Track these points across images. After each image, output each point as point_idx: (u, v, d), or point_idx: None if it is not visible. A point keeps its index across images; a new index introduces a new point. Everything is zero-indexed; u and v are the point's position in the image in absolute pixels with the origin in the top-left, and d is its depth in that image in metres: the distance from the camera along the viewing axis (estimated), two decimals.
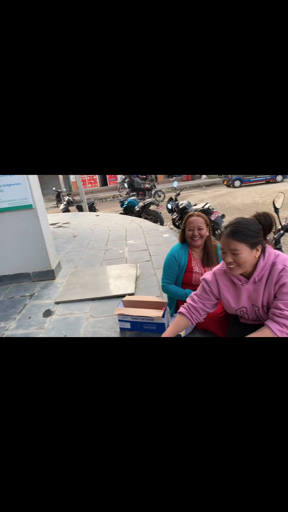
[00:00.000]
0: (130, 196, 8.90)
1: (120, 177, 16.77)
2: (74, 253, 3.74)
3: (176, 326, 1.32)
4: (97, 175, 17.31)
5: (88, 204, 8.96)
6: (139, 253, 3.44)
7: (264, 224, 1.11)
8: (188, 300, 1.37)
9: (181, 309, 1.36)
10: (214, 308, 1.36)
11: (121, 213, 7.59)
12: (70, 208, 9.63)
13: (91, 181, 17.36)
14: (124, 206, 7.48)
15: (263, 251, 1.12)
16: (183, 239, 1.79)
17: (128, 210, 7.44)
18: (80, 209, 8.94)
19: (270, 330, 1.11)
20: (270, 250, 1.14)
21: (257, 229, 1.10)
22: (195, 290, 1.72)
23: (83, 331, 1.88)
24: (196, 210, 5.05)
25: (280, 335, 1.10)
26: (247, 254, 1.08)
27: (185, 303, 1.38)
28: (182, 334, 1.64)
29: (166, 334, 1.31)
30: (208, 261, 1.76)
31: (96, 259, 3.42)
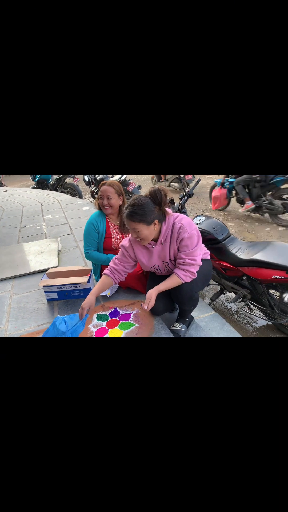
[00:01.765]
0: None
1: None
2: None
3: (101, 285, 1.48)
4: None
5: None
6: (58, 227, 3.36)
7: (156, 200, 1.28)
8: (111, 263, 1.53)
9: (105, 271, 1.52)
10: (133, 268, 1.56)
11: (33, 187, 6.99)
12: None
13: None
14: (37, 179, 6.89)
15: (162, 220, 1.33)
16: (99, 206, 1.88)
17: (42, 184, 6.90)
18: None
19: (177, 276, 1.37)
20: (169, 216, 1.36)
21: (151, 208, 1.27)
22: (115, 254, 1.89)
23: (7, 308, 1.83)
24: None
25: (185, 278, 1.37)
26: (146, 230, 1.29)
27: (108, 266, 1.54)
28: (108, 294, 1.81)
29: (93, 292, 1.45)
30: (124, 227, 1.91)
31: (10, 237, 3.18)
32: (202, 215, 2.21)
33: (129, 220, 1.27)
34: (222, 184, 4.33)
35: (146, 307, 1.34)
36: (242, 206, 4.08)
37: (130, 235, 1.49)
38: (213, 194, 4.50)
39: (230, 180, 4.25)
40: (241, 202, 4.10)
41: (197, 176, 6.04)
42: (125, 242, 1.50)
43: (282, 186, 3.67)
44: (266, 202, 3.78)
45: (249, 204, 3.93)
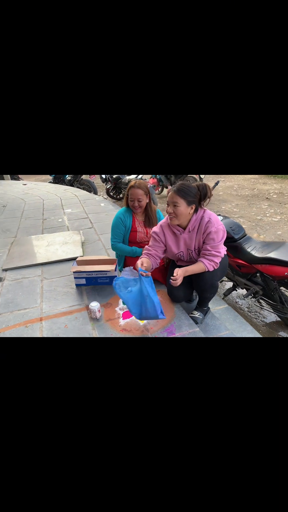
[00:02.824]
0: None
1: None
2: (8, 223, 3.57)
3: (146, 263, 1.61)
4: None
5: None
6: (79, 221, 3.55)
7: (202, 192, 1.49)
8: (144, 250, 1.72)
9: (143, 256, 1.68)
10: (163, 254, 1.73)
11: (50, 182, 7.22)
12: None
13: None
14: (54, 175, 7.12)
15: (196, 210, 1.51)
16: (127, 204, 2.05)
17: (58, 179, 7.12)
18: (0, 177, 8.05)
19: (203, 264, 1.54)
20: (201, 209, 1.53)
21: (195, 193, 1.47)
22: (139, 247, 2.07)
23: (40, 290, 2.02)
24: (130, 180, 5.29)
25: (209, 267, 1.54)
26: (183, 208, 1.46)
27: (143, 253, 1.72)
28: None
29: (143, 260, 1.59)
30: (149, 223, 2.08)
31: (35, 228, 3.38)
32: (219, 214, 2.37)
33: (175, 194, 1.46)
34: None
35: (172, 282, 1.49)
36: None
37: (160, 222, 1.67)
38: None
39: None
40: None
41: (216, 178, 6.68)
42: (156, 228, 1.68)
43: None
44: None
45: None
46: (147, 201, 2.02)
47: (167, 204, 1.52)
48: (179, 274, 1.48)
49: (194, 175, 5.67)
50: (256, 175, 7.24)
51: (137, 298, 1.45)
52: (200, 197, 1.50)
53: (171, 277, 1.50)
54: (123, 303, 1.82)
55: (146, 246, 1.73)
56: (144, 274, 1.48)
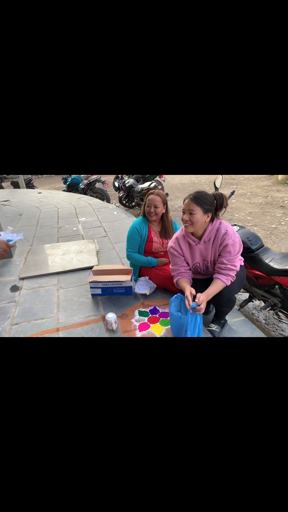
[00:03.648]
0: None
1: None
2: (25, 231, 3.65)
3: (186, 287, 1.55)
4: None
5: (25, 180, 8.34)
6: (94, 230, 3.59)
7: (218, 201, 1.48)
8: (174, 273, 1.67)
9: (177, 277, 1.64)
10: (186, 266, 1.67)
11: (64, 190, 7.36)
12: (3, 184, 8.80)
13: None
14: (68, 183, 7.26)
15: (212, 219, 1.49)
16: (144, 213, 2.06)
17: (72, 187, 7.26)
18: (15, 185, 8.27)
19: (220, 280, 1.51)
20: (217, 220, 1.52)
21: (211, 201, 1.46)
22: (155, 257, 2.07)
23: (56, 300, 2.04)
24: (142, 189, 5.33)
25: (227, 282, 1.51)
26: (200, 216, 1.45)
27: (174, 276, 1.67)
28: (147, 292, 1.98)
29: (187, 288, 1.53)
30: (165, 233, 2.08)
31: (50, 236, 3.44)
32: (236, 224, 2.34)
33: (191, 201, 1.44)
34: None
35: (197, 311, 1.44)
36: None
37: (174, 235, 1.66)
38: None
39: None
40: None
41: (231, 187, 6.57)
42: (171, 243, 1.66)
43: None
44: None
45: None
46: (164, 210, 2.02)
47: (183, 212, 1.51)
48: (201, 300, 1.43)
49: (158, 177, 6.03)
50: (269, 183, 7.16)
51: (181, 327, 1.48)
52: (216, 206, 1.49)
53: (195, 305, 1.44)
54: (139, 314, 1.81)
55: (171, 267, 1.68)
56: (198, 310, 1.44)
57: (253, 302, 2.43)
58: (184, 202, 1.50)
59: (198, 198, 1.44)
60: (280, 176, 7.10)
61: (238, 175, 8.39)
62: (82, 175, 7.56)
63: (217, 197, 1.48)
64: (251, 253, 2.11)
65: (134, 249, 2.08)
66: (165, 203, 2.01)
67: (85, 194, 6.58)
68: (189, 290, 1.48)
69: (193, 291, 1.49)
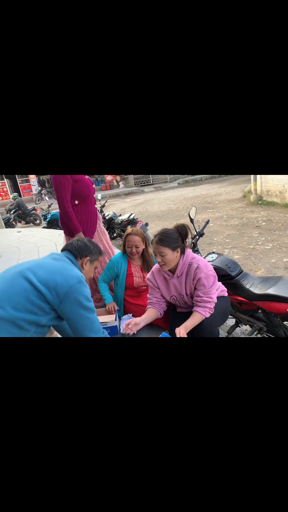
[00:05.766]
0: (52, 209, 8.67)
1: (35, 188, 15.92)
2: None
3: (147, 315, 1.68)
4: (7, 187, 15.97)
5: (4, 220, 8.31)
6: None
7: (182, 233, 1.55)
8: (148, 301, 1.77)
9: (148, 306, 1.74)
10: (160, 298, 1.74)
11: (44, 227, 7.36)
12: None
13: (1, 193, 15.90)
14: (48, 220, 7.29)
15: (183, 252, 1.55)
16: (124, 250, 2.09)
17: (52, 223, 7.28)
18: None
19: (198, 313, 1.53)
20: (188, 252, 1.57)
21: (176, 237, 1.53)
22: (137, 292, 2.07)
23: None
24: (122, 220, 5.44)
25: (205, 314, 1.53)
26: (170, 255, 1.51)
27: (148, 302, 1.77)
28: (131, 333, 1.93)
29: (141, 318, 1.64)
30: (147, 267, 2.10)
31: None
32: (214, 252, 2.40)
33: (158, 245, 1.50)
34: None
35: None
36: None
37: (152, 268, 1.71)
38: None
39: None
40: None
41: (206, 216, 6.68)
42: (149, 275, 1.75)
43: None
44: None
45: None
46: (144, 247, 2.06)
47: (155, 254, 1.57)
48: (181, 334, 1.48)
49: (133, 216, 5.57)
50: (243, 204, 7.53)
51: None
52: (182, 237, 1.55)
53: (166, 335, 1.52)
54: None
55: (148, 295, 1.76)
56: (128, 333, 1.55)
57: (240, 327, 2.43)
58: (151, 245, 1.57)
59: (163, 240, 1.50)
60: (252, 197, 7.50)
61: (213, 199, 8.79)
62: None
63: (180, 230, 1.55)
64: (231, 279, 2.15)
65: (106, 278, 2.14)
66: (144, 240, 2.05)
67: None
68: (140, 319, 1.60)
69: (139, 321, 1.62)
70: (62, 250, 1.37)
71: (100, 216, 2.45)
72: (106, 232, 2.53)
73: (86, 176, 2.26)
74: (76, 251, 1.34)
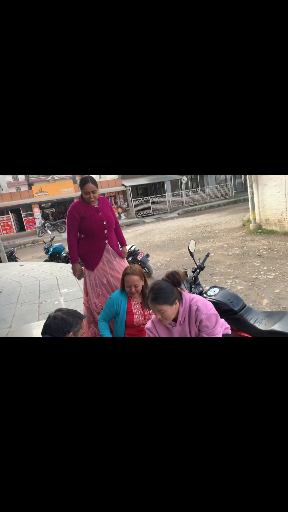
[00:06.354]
0: (54, 242, 8.80)
1: (38, 222, 16.33)
2: (4, 311, 3.50)
3: None
4: (11, 220, 16.42)
5: (7, 253, 8.40)
6: (76, 302, 3.50)
7: (174, 281, 1.47)
8: None
9: None
10: None
11: (46, 260, 7.41)
12: None
13: (6, 227, 16.31)
14: (50, 253, 7.36)
15: (181, 300, 1.48)
16: (123, 288, 2.05)
17: (54, 256, 7.34)
18: None
19: None
20: (185, 296, 1.51)
21: (171, 290, 1.45)
22: (137, 331, 2.00)
23: None
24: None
25: None
26: (169, 310, 1.43)
27: None
28: None
29: None
30: (147, 303, 2.06)
31: (31, 314, 3.31)
32: (215, 286, 2.36)
33: (154, 303, 1.42)
34: None
35: None
36: None
37: (152, 316, 1.62)
38: None
39: None
40: None
41: (206, 249, 6.62)
42: (148, 325, 1.64)
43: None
44: None
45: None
46: (143, 283, 2.03)
47: (154, 313, 1.50)
48: None
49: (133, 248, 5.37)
50: (243, 233, 7.61)
51: None
52: (177, 284, 1.47)
53: None
54: None
55: None
56: None
57: None
58: (149, 306, 1.48)
59: (158, 298, 1.42)
60: (251, 226, 7.60)
61: (213, 228, 8.92)
62: (63, 245, 7.72)
63: (171, 279, 1.47)
64: (234, 314, 2.09)
65: (106, 317, 2.06)
66: (143, 277, 2.02)
67: (67, 262, 6.64)
68: None
69: None
70: (42, 335, 1.29)
71: (122, 251, 2.52)
72: (118, 267, 2.43)
73: (100, 213, 2.30)
74: (57, 332, 1.24)
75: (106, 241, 2.39)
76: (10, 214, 16.44)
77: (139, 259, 5.21)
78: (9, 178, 25.23)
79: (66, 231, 2.34)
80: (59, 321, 1.23)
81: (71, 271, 2.55)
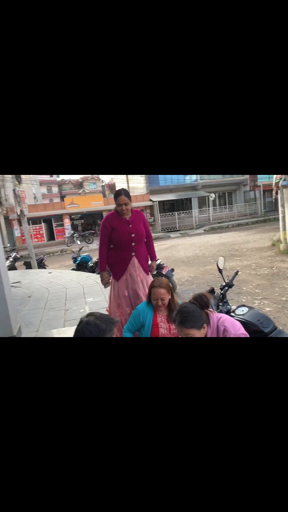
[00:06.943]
0: (82, 252, 9.08)
1: (68, 232, 17.02)
2: (31, 315, 3.64)
3: None
4: (43, 229, 17.27)
5: (37, 260, 8.80)
6: (101, 311, 3.55)
7: (202, 304, 1.41)
8: None
9: None
10: None
11: (73, 269, 7.65)
12: (16, 265, 9.27)
13: (38, 235, 17.16)
14: (77, 262, 7.60)
15: (208, 323, 1.42)
16: (150, 300, 2.06)
17: (81, 266, 7.56)
18: (28, 266, 8.68)
19: None
20: (212, 316, 1.45)
21: (199, 313, 1.38)
22: None
23: None
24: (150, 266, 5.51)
25: None
26: (197, 334, 1.36)
27: None
28: None
29: None
30: (173, 318, 2.05)
31: (57, 320, 3.40)
32: (244, 305, 2.29)
33: (182, 327, 1.35)
34: None
35: None
36: None
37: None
38: None
39: None
40: None
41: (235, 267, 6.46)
42: None
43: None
44: None
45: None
46: (169, 297, 2.02)
47: (180, 335, 1.44)
48: None
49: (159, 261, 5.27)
50: (273, 253, 7.34)
51: None
52: (205, 307, 1.41)
53: None
54: None
55: None
56: None
57: None
58: (176, 330, 1.42)
59: (186, 321, 1.35)
60: (282, 246, 7.32)
61: (241, 247, 8.71)
62: (90, 254, 7.95)
63: (199, 301, 1.41)
64: (264, 336, 2.00)
65: (131, 327, 2.05)
66: (169, 290, 2.02)
67: (93, 272, 6.80)
68: None
69: None
70: None
71: (150, 265, 2.64)
72: (140, 281, 2.46)
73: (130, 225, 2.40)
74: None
75: (133, 253, 2.43)
76: (43, 223, 17.34)
77: (164, 273, 5.21)
78: (43, 190, 26.75)
79: (99, 240, 2.45)
80: (93, 328, 1.25)
81: (97, 280, 2.64)
